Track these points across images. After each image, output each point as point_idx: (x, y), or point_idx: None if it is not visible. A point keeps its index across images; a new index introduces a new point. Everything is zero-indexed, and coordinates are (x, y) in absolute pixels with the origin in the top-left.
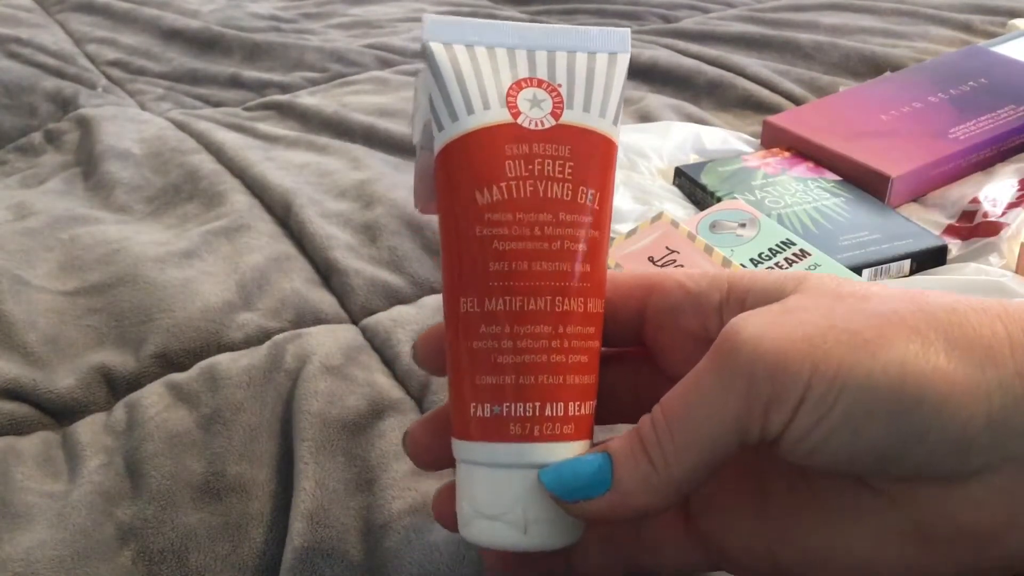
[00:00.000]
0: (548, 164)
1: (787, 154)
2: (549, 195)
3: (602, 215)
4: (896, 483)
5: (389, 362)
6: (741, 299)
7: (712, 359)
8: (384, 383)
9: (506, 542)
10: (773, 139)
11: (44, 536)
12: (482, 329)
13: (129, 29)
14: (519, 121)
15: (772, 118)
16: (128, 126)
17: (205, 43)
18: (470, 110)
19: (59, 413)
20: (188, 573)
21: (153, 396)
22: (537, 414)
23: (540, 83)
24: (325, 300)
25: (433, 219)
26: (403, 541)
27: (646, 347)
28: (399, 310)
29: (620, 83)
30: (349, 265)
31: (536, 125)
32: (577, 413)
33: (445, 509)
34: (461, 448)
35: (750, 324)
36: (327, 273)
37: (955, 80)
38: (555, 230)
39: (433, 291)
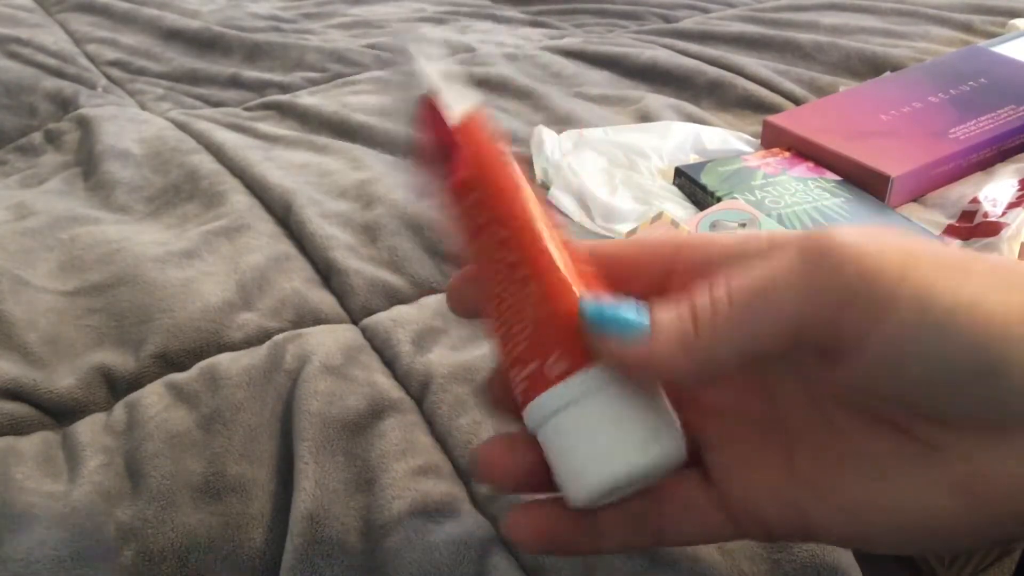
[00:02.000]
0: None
1: (787, 154)
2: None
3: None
4: (946, 430)
5: (389, 362)
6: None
7: (793, 251)
8: (384, 383)
9: (625, 468)
10: (773, 139)
11: (44, 536)
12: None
13: (129, 29)
14: None
15: (772, 118)
16: (128, 126)
17: (205, 43)
18: None
19: (59, 413)
20: (188, 573)
21: (153, 396)
22: (558, 359)
23: None
24: (325, 300)
25: (431, 219)
26: (403, 541)
27: None
28: (399, 310)
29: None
30: (349, 265)
31: None
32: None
33: (523, 530)
34: (554, 397)
35: (840, 229)
36: (327, 273)
37: (955, 80)
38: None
39: (433, 291)
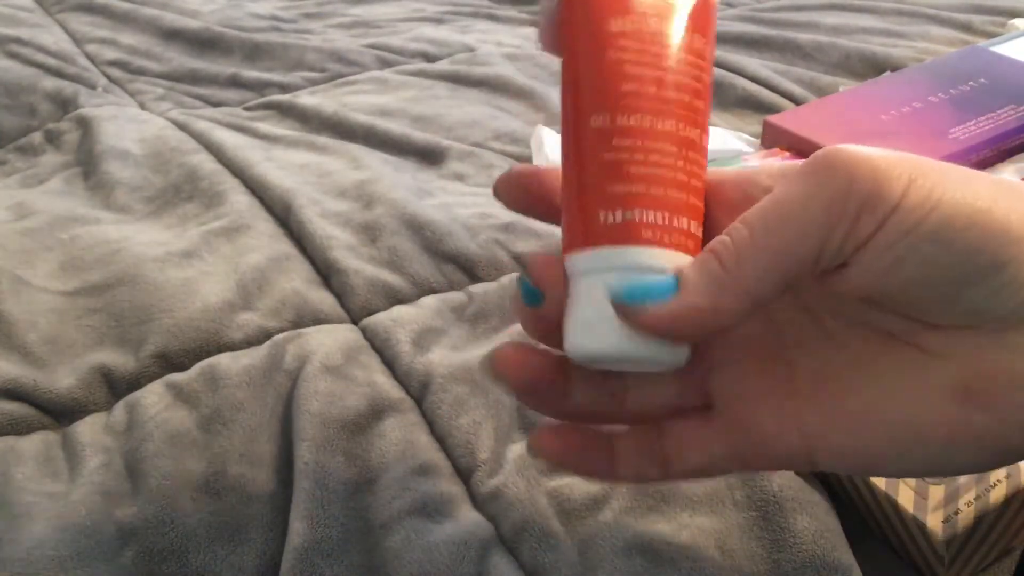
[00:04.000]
0: (668, 8)
1: (787, 154)
2: (669, 33)
3: (709, 65)
4: (943, 336)
5: (389, 362)
6: None
7: (803, 170)
8: (384, 383)
9: (618, 348)
10: (773, 139)
11: (44, 536)
12: (614, 142)
13: (129, 29)
14: None
15: (772, 118)
16: (128, 126)
17: (205, 43)
18: None
19: (59, 413)
20: (188, 573)
21: (153, 396)
22: (666, 223)
23: None
24: (325, 300)
25: (432, 220)
26: (403, 541)
27: None
28: (399, 310)
29: None
30: (349, 265)
31: None
32: (696, 233)
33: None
34: (583, 259)
35: (846, 146)
36: (327, 273)
37: (955, 80)
38: (677, 64)
39: (432, 291)
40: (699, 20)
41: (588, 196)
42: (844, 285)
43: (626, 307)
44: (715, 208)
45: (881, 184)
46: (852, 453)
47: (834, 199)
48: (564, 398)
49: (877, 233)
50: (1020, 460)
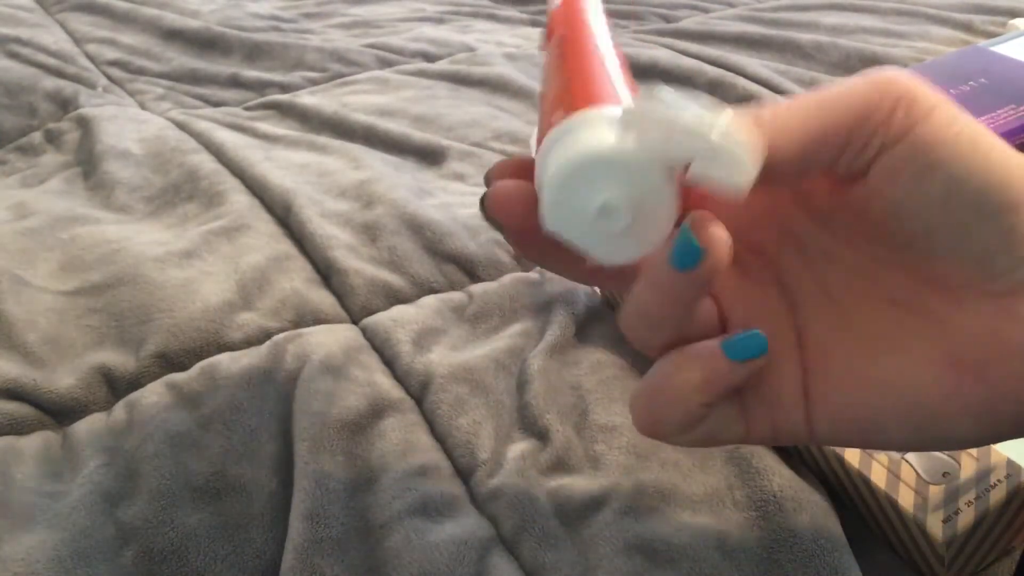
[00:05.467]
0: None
1: None
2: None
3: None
4: (948, 301)
5: (389, 362)
6: None
7: (848, 79)
8: (384, 383)
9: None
10: None
11: (44, 536)
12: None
13: (129, 29)
14: None
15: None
16: (128, 126)
17: (205, 43)
18: None
19: (59, 413)
20: (188, 573)
21: (153, 396)
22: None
23: None
24: (325, 300)
25: (432, 219)
26: (403, 541)
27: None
28: (399, 310)
29: None
30: (349, 265)
31: None
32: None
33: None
34: (553, 132)
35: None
36: (327, 273)
37: (955, 80)
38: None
39: (432, 291)
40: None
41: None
42: (868, 199)
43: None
44: (703, 202)
45: (916, 92)
46: (847, 418)
47: (873, 91)
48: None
49: (908, 134)
50: (1014, 437)
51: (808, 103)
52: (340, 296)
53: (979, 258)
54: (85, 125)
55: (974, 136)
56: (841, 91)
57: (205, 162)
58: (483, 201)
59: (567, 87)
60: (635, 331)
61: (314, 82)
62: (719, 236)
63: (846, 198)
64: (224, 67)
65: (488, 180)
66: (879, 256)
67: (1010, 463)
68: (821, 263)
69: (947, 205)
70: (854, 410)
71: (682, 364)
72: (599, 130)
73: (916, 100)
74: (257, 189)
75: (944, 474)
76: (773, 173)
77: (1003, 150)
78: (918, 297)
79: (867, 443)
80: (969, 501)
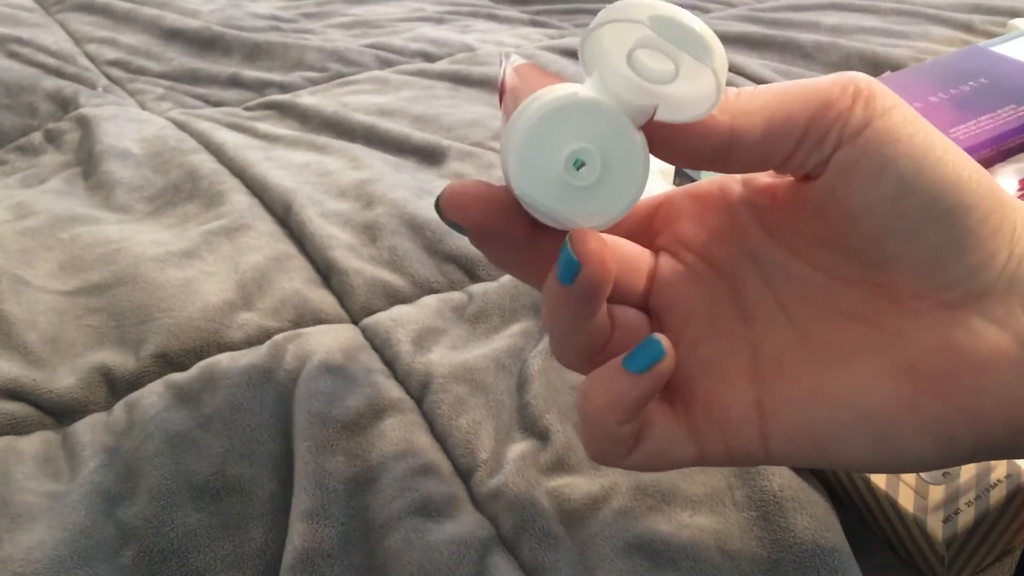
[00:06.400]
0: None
1: None
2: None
3: None
4: (903, 315)
5: (389, 362)
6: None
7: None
8: (384, 383)
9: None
10: None
11: (44, 536)
12: None
13: (129, 29)
14: None
15: None
16: (128, 126)
17: (205, 43)
18: None
19: (59, 413)
20: (188, 573)
21: (153, 396)
22: None
23: None
24: (325, 300)
25: (432, 219)
26: (403, 541)
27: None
28: (399, 310)
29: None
30: (349, 265)
31: None
32: None
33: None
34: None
35: None
36: (327, 273)
37: (955, 80)
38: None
39: (432, 291)
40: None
41: None
42: (822, 198)
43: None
44: (692, 203)
45: (875, 91)
46: (801, 434)
47: (834, 85)
48: (529, 246)
49: (864, 129)
50: (971, 460)
51: (771, 91)
52: (340, 296)
53: (931, 264)
54: (85, 125)
55: (930, 139)
56: (804, 83)
57: (205, 162)
58: (437, 203)
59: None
60: (554, 351)
61: (314, 82)
62: (595, 250)
63: (803, 202)
64: (224, 67)
65: (438, 205)
66: (835, 269)
67: (1010, 463)
68: (778, 279)
69: (898, 204)
70: (810, 426)
71: (589, 387)
72: (561, 89)
73: (875, 97)
74: (257, 189)
75: (944, 474)
76: (735, 155)
77: (958, 157)
78: (874, 310)
79: (823, 461)
80: (969, 501)
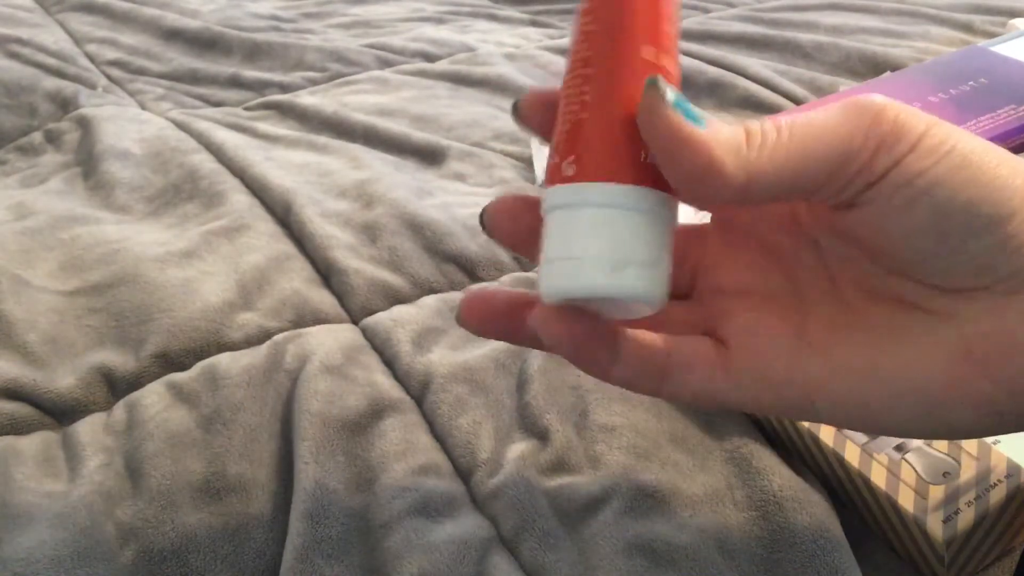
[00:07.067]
0: None
1: None
2: None
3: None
4: (949, 298)
5: (389, 362)
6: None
7: (837, 104)
8: (384, 383)
9: (596, 282)
10: None
11: (44, 536)
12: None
13: (129, 29)
14: None
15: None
16: (128, 126)
17: (205, 43)
18: None
19: (59, 413)
20: (188, 573)
21: (153, 396)
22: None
23: None
24: (325, 300)
25: (432, 219)
26: (403, 541)
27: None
28: (399, 310)
29: None
30: (349, 265)
31: None
32: None
33: (477, 307)
34: (564, 193)
35: (877, 95)
36: (327, 273)
37: (955, 80)
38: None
39: (432, 291)
40: None
41: (628, 127)
42: (858, 227)
43: (661, 105)
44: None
45: (901, 127)
46: (851, 404)
47: (856, 132)
48: (613, 361)
49: (891, 171)
50: (1014, 431)
51: (792, 143)
52: (340, 296)
53: (980, 268)
54: (85, 125)
55: (967, 153)
56: (825, 130)
57: (205, 162)
58: (482, 219)
59: (580, 126)
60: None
61: (314, 82)
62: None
63: (839, 222)
64: (224, 67)
65: (482, 219)
66: (890, 267)
67: (1010, 463)
68: (835, 265)
69: (937, 229)
70: (861, 396)
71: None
72: (595, 250)
73: (900, 140)
74: (257, 189)
75: (944, 474)
76: (751, 196)
77: (999, 162)
78: (928, 298)
79: (870, 427)
80: (969, 501)
